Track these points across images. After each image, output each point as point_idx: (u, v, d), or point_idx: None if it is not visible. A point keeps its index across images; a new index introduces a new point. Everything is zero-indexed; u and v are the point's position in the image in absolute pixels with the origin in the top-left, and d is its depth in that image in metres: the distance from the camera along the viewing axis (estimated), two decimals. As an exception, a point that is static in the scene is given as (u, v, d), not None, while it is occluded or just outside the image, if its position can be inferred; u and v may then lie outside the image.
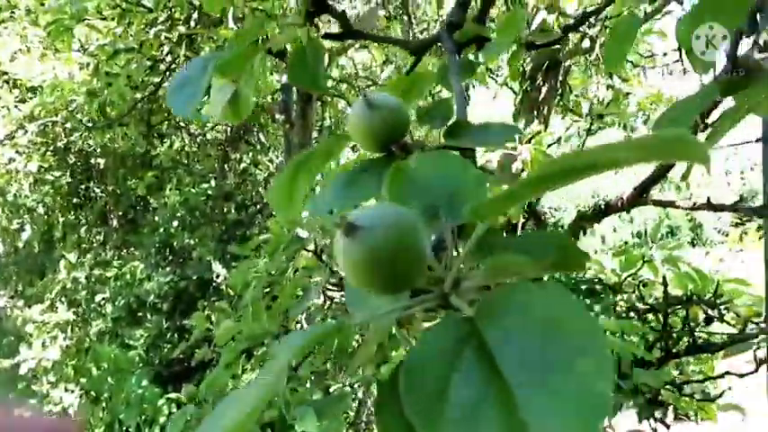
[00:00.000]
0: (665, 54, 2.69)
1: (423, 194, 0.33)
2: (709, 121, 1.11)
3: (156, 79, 3.20)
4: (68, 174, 4.94)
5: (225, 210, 4.82)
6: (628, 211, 1.74)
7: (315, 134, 3.90)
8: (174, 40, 2.95)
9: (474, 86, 3.91)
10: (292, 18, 0.61)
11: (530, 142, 1.67)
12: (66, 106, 3.82)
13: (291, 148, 3.67)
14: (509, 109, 2.45)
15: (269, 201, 0.54)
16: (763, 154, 1.44)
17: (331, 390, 1.77)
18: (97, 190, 5.27)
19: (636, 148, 0.20)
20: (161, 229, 4.74)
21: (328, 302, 1.75)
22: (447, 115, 0.45)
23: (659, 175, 1.61)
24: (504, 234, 1.86)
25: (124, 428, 3.64)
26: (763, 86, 0.41)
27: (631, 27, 0.71)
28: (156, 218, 4.93)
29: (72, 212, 5.18)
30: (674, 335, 1.70)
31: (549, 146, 2.18)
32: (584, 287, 3.12)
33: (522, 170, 1.45)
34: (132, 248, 5.09)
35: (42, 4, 3.06)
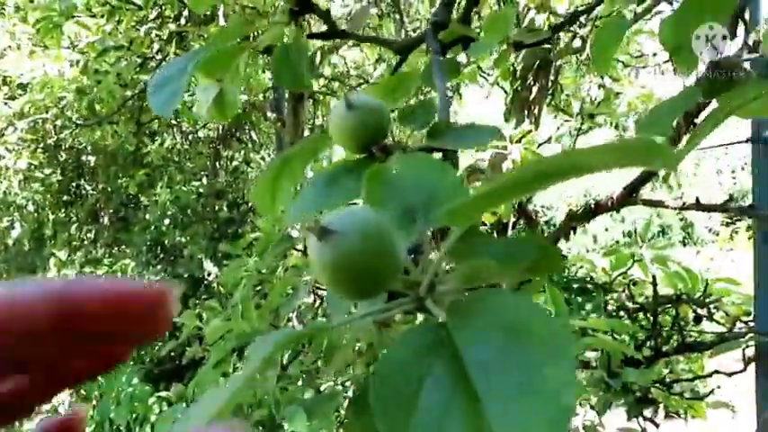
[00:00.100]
0: (654, 54, 2.70)
1: (400, 197, 0.33)
2: (698, 121, 1.12)
3: (146, 77, 3.18)
4: (59, 171, 4.92)
5: (216, 208, 4.81)
6: (617, 210, 1.74)
7: (306, 132, 3.89)
8: (165, 38, 2.94)
9: (467, 84, 3.91)
10: (278, 17, 0.60)
11: (520, 142, 1.67)
12: (57, 103, 3.80)
13: (283, 146, 3.66)
14: (502, 108, 2.45)
15: (252, 200, 0.53)
16: (752, 154, 1.44)
17: (322, 388, 1.77)
18: (88, 187, 5.24)
19: (605, 154, 0.20)
20: (152, 227, 4.72)
21: (318, 301, 1.75)
22: (429, 116, 0.45)
23: (649, 175, 1.62)
24: (496, 233, 1.86)
25: (114, 427, 3.63)
26: (744, 88, 0.41)
27: (618, 28, 0.71)
28: (148, 216, 4.90)
29: (62, 210, 5.16)
30: (664, 334, 1.71)
31: (540, 145, 2.18)
32: (576, 286, 3.13)
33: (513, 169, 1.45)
34: (123, 246, 5.07)
35: (32, 1, 3.04)
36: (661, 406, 1.64)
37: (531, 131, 1.74)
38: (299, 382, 1.70)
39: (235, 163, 5.23)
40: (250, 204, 4.80)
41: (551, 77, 1.99)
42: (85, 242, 5.24)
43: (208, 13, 2.61)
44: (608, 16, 1.38)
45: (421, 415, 0.22)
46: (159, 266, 4.59)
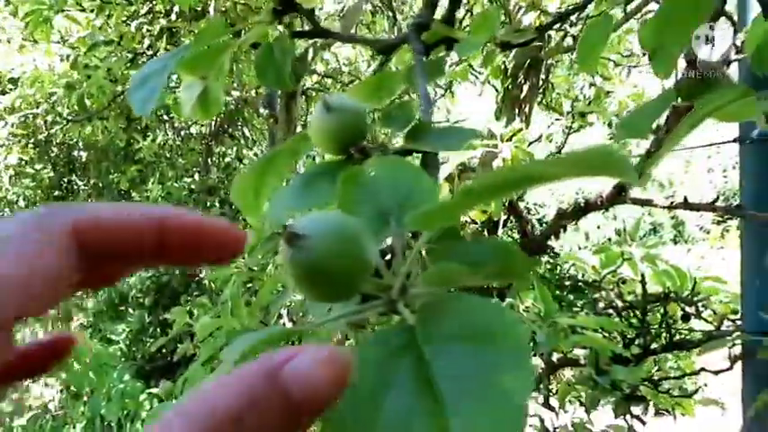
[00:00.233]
0: (644, 54, 2.70)
1: (374, 200, 0.33)
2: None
3: (138, 72, 3.15)
4: (50, 167, 4.89)
5: (208, 204, 4.80)
6: (607, 209, 1.75)
7: (299, 129, 3.89)
8: (155, 34, 2.92)
9: (459, 83, 3.91)
10: (262, 16, 0.60)
11: (510, 140, 1.67)
12: (47, 99, 3.78)
13: (275, 142, 3.65)
14: (495, 106, 2.46)
15: (233, 200, 0.53)
16: (740, 154, 1.45)
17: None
18: (80, 183, 5.22)
19: (567, 164, 0.20)
20: (144, 223, 4.69)
21: (308, 299, 1.75)
22: (409, 117, 0.45)
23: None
24: (487, 231, 1.86)
25: (106, 423, 3.62)
26: (722, 91, 0.41)
27: (604, 28, 0.72)
28: (139, 212, 4.87)
29: (54, 206, 5.11)
30: (653, 331, 1.72)
31: (531, 144, 2.19)
32: (568, 283, 3.14)
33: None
34: (115, 242, 5.03)
35: (21, -5, 3.01)
36: (651, 404, 1.65)
37: (521, 130, 1.74)
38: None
39: (227, 159, 5.22)
40: (242, 201, 4.77)
41: (542, 76, 2.00)
42: (77, 238, 5.20)
43: (199, 8, 2.60)
44: (598, 16, 1.39)
45: (386, 416, 0.23)
46: (151, 263, 4.57)
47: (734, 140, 1.40)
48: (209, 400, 0.17)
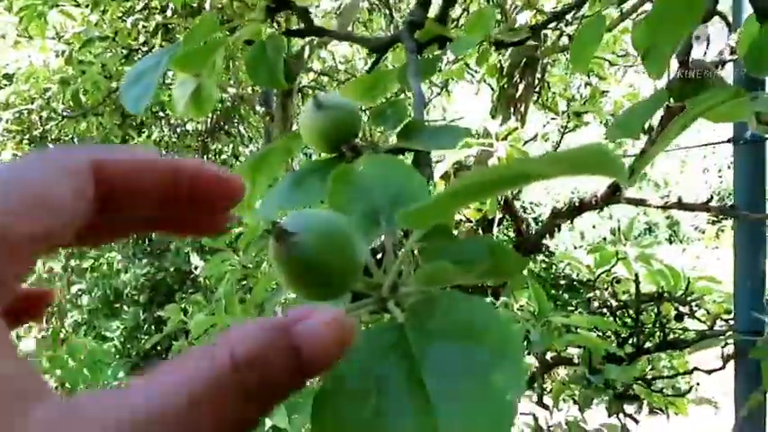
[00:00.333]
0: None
1: (365, 198, 0.33)
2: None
3: (133, 69, 3.13)
4: (45, 163, 4.86)
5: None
6: (601, 208, 1.76)
7: (295, 126, 3.88)
8: (151, 30, 2.91)
9: (456, 81, 3.91)
10: (255, 14, 0.60)
11: (506, 139, 1.67)
12: (42, 94, 3.76)
13: (272, 140, 3.65)
14: (491, 105, 2.46)
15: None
16: (734, 154, 1.45)
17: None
18: (75, 179, 5.18)
19: (557, 162, 0.20)
20: (139, 221, 4.68)
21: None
22: (402, 116, 0.45)
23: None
24: (482, 230, 1.86)
25: (100, 421, 3.61)
26: (713, 92, 0.42)
27: (597, 29, 0.72)
28: (135, 209, 4.86)
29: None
30: (646, 331, 1.72)
31: (526, 143, 2.19)
32: (563, 282, 3.15)
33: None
34: (110, 239, 5.02)
35: (16, -11, 3.00)
36: (644, 403, 1.66)
37: (517, 129, 1.74)
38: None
39: (223, 156, 5.20)
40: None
41: (538, 75, 2.00)
42: (71, 235, 5.18)
43: (195, 5, 2.59)
44: (592, 16, 1.39)
45: (374, 414, 0.23)
46: (146, 260, 4.57)
47: (728, 141, 1.41)
48: (231, 339, 0.19)
